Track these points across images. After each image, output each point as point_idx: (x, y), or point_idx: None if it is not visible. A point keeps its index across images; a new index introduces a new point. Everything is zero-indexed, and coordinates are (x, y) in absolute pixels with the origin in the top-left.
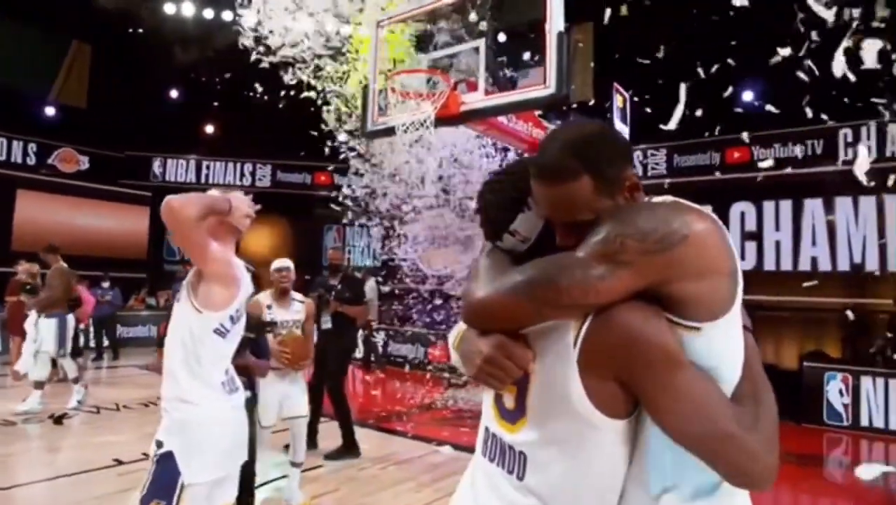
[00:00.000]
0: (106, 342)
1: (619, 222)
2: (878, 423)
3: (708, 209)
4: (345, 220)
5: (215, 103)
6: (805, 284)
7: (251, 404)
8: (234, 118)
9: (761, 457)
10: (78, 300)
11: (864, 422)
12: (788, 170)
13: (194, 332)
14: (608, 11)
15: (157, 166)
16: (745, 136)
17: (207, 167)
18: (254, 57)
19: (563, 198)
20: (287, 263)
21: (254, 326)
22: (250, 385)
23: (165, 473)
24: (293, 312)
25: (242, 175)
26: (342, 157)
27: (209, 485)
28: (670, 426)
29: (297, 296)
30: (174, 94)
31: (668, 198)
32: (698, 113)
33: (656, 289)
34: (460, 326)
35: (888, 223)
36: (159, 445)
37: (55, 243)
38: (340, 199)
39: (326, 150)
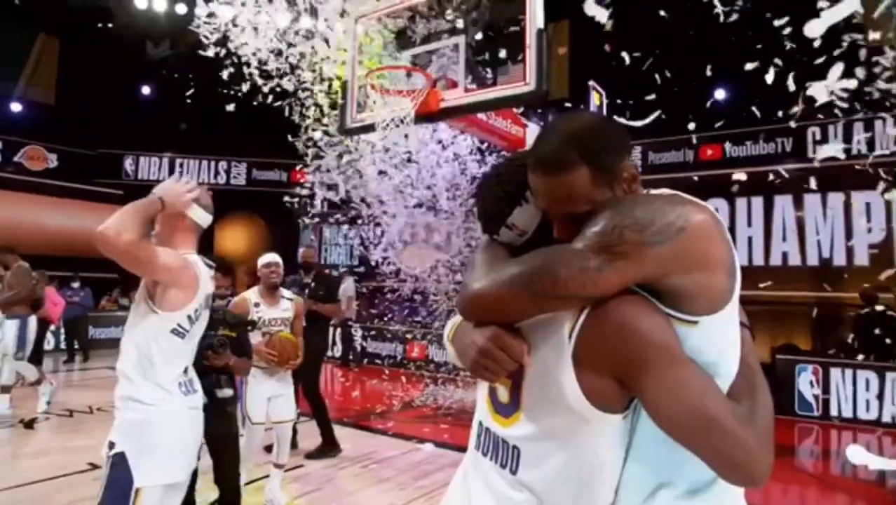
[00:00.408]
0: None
1: (616, 214)
2: (847, 412)
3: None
4: (317, 218)
5: (188, 100)
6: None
7: (232, 404)
8: (208, 115)
9: (757, 453)
10: (40, 301)
11: (834, 412)
12: (760, 167)
13: (151, 333)
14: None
15: (129, 164)
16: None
17: (181, 165)
18: (222, 51)
19: (560, 189)
20: (275, 257)
21: (234, 324)
22: (232, 384)
23: (119, 478)
24: (281, 309)
25: (217, 173)
26: (317, 155)
27: (162, 489)
28: (665, 422)
29: (286, 293)
30: (146, 90)
31: (666, 191)
32: (674, 111)
33: (654, 281)
34: (455, 320)
35: (854, 219)
36: (112, 445)
37: (11, 243)
38: (316, 197)
39: (302, 147)
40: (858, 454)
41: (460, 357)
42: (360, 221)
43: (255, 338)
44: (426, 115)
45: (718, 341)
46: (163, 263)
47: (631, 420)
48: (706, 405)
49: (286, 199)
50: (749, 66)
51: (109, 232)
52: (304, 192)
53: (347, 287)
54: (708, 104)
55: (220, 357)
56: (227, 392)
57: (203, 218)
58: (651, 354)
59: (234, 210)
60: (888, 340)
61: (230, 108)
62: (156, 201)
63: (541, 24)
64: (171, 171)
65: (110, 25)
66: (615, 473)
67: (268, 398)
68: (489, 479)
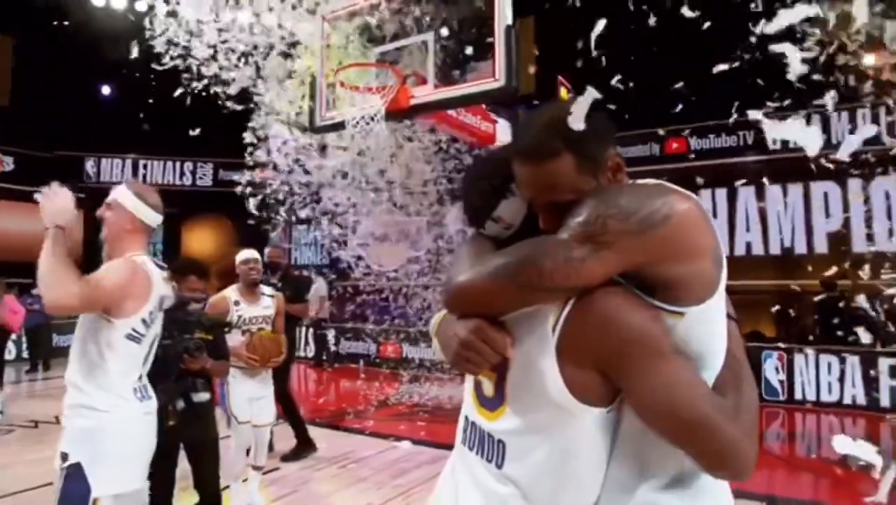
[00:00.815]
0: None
1: (601, 203)
2: (811, 396)
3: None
4: (278, 218)
5: (151, 100)
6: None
7: (209, 407)
8: (172, 115)
9: (741, 448)
10: None
11: (798, 396)
12: (723, 160)
13: (105, 341)
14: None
15: (90, 167)
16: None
17: (145, 167)
18: (179, 51)
19: (544, 177)
20: (254, 253)
21: (210, 326)
22: (209, 388)
23: (75, 489)
24: (262, 307)
25: (182, 174)
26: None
27: (119, 498)
28: (649, 416)
29: (266, 290)
30: (106, 90)
31: (652, 181)
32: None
33: (639, 272)
34: (441, 313)
35: (814, 209)
36: (64, 457)
37: None
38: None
39: (270, 146)
40: (845, 444)
41: (443, 350)
42: (326, 219)
43: (237, 337)
44: (396, 113)
45: (705, 333)
46: (114, 286)
47: (616, 413)
48: (690, 401)
49: (250, 198)
50: (719, 67)
51: (60, 301)
52: (247, 190)
53: (319, 287)
54: (673, 98)
55: (197, 360)
56: (203, 396)
57: (152, 218)
58: (635, 348)
59: (200, 211)
60: (847, 325)
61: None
62: (57, 233)
63: (509, 20)
64: (135, 173)
65: (66, 24)
66: (601, 467)
67: (249, 399)
68: (475, 473)
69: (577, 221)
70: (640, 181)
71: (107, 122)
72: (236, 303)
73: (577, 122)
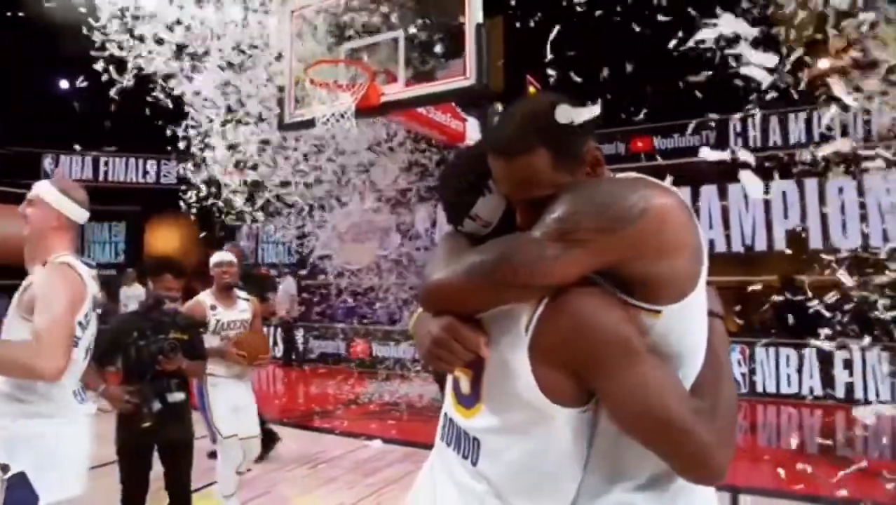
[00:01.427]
0: None
1: (575, 199)
2: (771, 388)
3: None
4: (238, 216)
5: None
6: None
7: (184, 408)
8: (135, 111)
9: (714, 452)
10: None
11: (759, 388)
12: (687, 158)
13: None
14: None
15: (47, 164)
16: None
17: (106, 164)
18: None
19: (519, 173)
20: (228, 256)
21: (185, 326)
22: (184, 388)
23: (21, 499)
24: (238, 311)
25: (146, 172)
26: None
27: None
28: (622, 420)
29: (242, 294)
30: (65, 84)
31: (632, 174)
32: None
33: (615, 269)
34: (419, 310)
35: (773, 207)
36: (5, 469)
37: None
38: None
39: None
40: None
41: (418, 347)
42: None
43: (215, 342)
44: (366, 110)
45: (684, 331)
46: (66, 310)
47: (593, 413)
48: (663, 403)
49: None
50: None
51: (53, 371)
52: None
53: (288, 286)
54: (638, 97)
55: (172, 361)
56: (178, 396)
57: (78, 214)
58: (607, 350)
59: (164, 210)
60: (804, 319)
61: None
62: (13, 238)
63: (480, 18)
64: (95, 171)
65: (21, 14)
66: (577, 467)
67: (233, 408)
68: (453, 470)
69: (550, 218)
70: (619, 175)
71: (67, 118)
72: (213, 307)
73: (552, 116)
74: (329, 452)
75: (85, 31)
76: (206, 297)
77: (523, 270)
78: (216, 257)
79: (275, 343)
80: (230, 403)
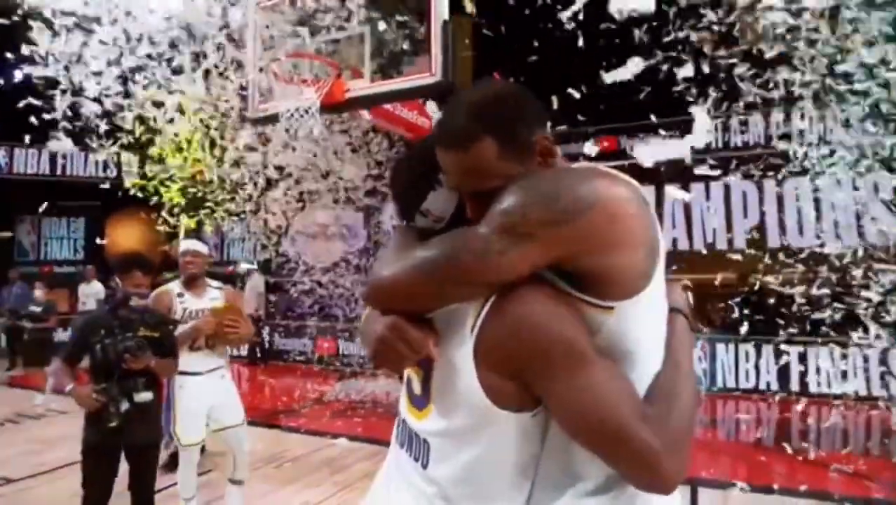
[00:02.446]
0: None
1: (523, 190)
2: (731, 383)
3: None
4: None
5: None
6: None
7: (152, 408)
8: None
9: (662, 461)
10: None
11: (719, 383)
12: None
13: None
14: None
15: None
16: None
17: (64, 157)
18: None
19: (466, 163)
20: (193, 245)
21: (155, 324)
22: (153, 388)
23: None
24: (208, 300)
25: (106, 167)
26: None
27: None
28: (568, 426)
29: (214, 283)
30: (19, 75)
31: (586, 164)
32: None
33: (565, 264)
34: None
35: (733, 206)
36: None
37: None
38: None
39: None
40: None
41: (364, 346)
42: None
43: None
44: (331, 106)
45: (637, 329)
46: None
47: (544, 416)
48: (610, 411)
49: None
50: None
51: None
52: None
53: (256, 284)
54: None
55: (139, 360)
56: (145, 396)
57: None
58: (550, 352)
59: (125, 205)
60: (762, 316)
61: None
62: None
63: (445, 15)
64: (54, 165)
65: None
66: (527, 472)
67: (205, 412)
68: (407, 472)
69: (497, 211)
70: (573, 165)
71: (22, 110)
72: (180, 295)
73: (498, 104)
74: (294, 450)
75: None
76: (173, 285)
77: (468, 266)
78: (181, 246)
79: None
80: (202, 404)
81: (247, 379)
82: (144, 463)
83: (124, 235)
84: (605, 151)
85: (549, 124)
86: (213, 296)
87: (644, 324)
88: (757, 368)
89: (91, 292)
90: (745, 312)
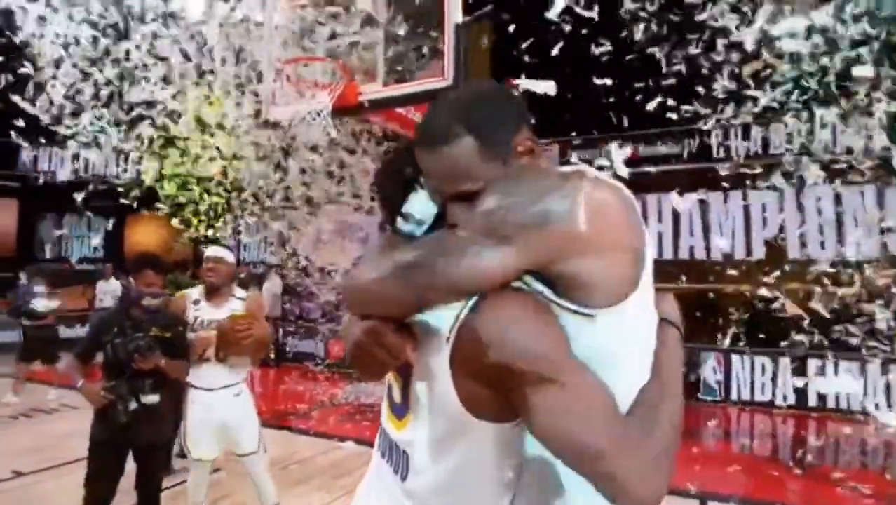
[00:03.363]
0: None
1: (502, 193)
2: (746, 395)
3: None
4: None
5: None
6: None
7: (158, 410)
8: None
9: (639, 483)
10: None
11: (734, 395)
12: (670, 166)
13: None
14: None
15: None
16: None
17: (87, 157)
18: None
19: (444, 163)
20: (215, 252)
21: (166, 325)
22: (159, 389)
23: None
24: (227, 310)
25: (126, 159)
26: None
27: None
28: (544, 440)
29: (240, 292)
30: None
31: (571, 167)
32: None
33: (545, 269)
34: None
35: (753, 217)
36: None
37: None
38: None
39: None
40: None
41: (345, 351)
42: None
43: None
44: (344, 109)
45: (621, 338)
46: None
47: (524, 427)
48: (586, 427)
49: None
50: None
51: None
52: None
53: (272, 285)
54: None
55: (148, 360)
56: (151, 398)
57: None
58: (528, 365)
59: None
60: (778, 328)
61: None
62: None
63: (459, 18)
64: (76, 164)
65: None
66: (507, 485)
67: (217, 427)
68: (386, 482)
69: (477, 214)
70: (558, 168)
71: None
72: (196, 302)
73: (478, 103)
74: (301, 453)
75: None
76: (194, 291)
77: (444, 271)
78: (206, 252)
79: None
80: (212, 420)
81: (258, 380)
82: (151, 463)
83: (139, 235)
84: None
85: (531, 124)
86: (234, 307)
87: (628, 333)
88: (773, 381)
89: (108, 290)
90: (761, 323)
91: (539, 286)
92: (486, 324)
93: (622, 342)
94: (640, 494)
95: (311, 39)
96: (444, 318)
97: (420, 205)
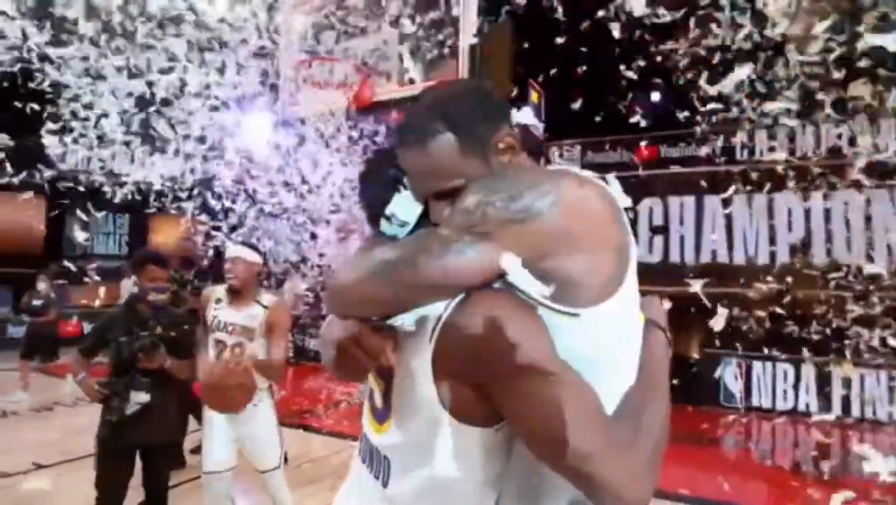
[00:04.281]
0: None
1: (483, 189)
2: (767, 403)
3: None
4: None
5: None
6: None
7: (151, 408)
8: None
9: (629, 481)
10: None
11: (755, 402)
12: (693, 168)
13: None
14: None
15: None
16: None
17: (114, 156)
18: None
19: (425, 162)
20: (237, 251)
21: (169, 322)
22: (150, 388)
23: None
24: (246, 314)
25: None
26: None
27: None
28: (528, 442)
29: (267, 297)
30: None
31: (557, 167)
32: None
33: (527, 266)
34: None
35: (777, 219)
36: None
37: None
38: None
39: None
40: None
41: (322, 353)
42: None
43: (211, 344)
44: (359, 109)
45: (605, 338)
46: None
47: (508, 432)
48: (571, 429)
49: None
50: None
51: None
52: None
53: (294, 286)
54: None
55: (152, 358)
56: (142, 397)
57: None
58: (510, 364)
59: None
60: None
61: None
62: None
63: (474, 16)
64: (103, 162)
65: None
66: (490, 491)
67: (233, 438)
68: (366, 489)
69: (457, 211)
70: (544, 167)
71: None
72: (218, 301)
73: (456, 100)
74: (315, 452)
75: None
76: (220, 289)
77: (424, 268)
78: (226, 251)
79: None
80: (225, 430)
81: None
82: (155, 462)
83: (163, 234)
84: (646, 160)
85: (512, 120)
86: (255, 312)
87: (612, 334)
88: (796, 388)
89: (130, 287)
90: (786, 328)
91: (521, 285)
92: (469, 320)
93: (607, 342)
94: (627, 498)
95: (328, 40)
96: (426, 318)
97: (403, 206)
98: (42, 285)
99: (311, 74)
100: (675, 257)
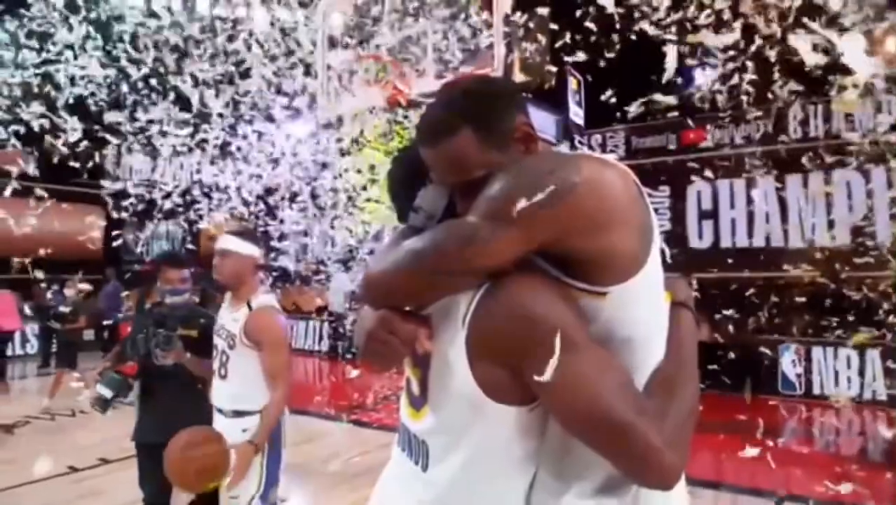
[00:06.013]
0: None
1: (507, 176)
2: (829, 390)
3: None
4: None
5: None
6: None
7: (148, 409)
8: None
9: (660, 455)
10: None
11: (816, 390)
12: (742, 150)
13: None
14: None
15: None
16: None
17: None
18: None
19: (447, 156)
20: (223, 242)
21: (182, 320)
22: (126, 387)
23: None
24: (232, 318)
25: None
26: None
27: None
28: (561, 417)
29: (263, 298)
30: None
31: (577, 152)
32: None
33: (554, 248)
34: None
35: (836, 199)
36: None
37: None
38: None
39: None
40: None
41: (357, 344)
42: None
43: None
44: (396, 105)
45: (633, 315)
46: None
47: (542, 412)
48: (604, 402)
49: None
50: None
51: None
52: None
53: (341, 283)
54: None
55: (168, 353)
56: (130, 395)
57: None
58: (543, 340)
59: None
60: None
61: None
62: None
63: (508, 8)
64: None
65: None
66: (526, 471)
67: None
68: (405, 476)
69: (482, 199)
70: (561, 152)
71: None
72: (224, 302)
73: (473, 93)
74: (365, 445)
75: None
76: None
77: (454, 255)
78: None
79: (320, 338)
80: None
81: (326, 373)
82: (147, 461)
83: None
84: (692, 144)
85: (527, 112)
86: (238, 316)
87: (640, 310)
88: (861, 374)
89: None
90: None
91: (549, 267)
92: (501, 300)
93: (635, 319)
94: (665, 468)
95: (364, 37)
96: (458, 304)
97: (430, 198)
98: (69, 291)
99: (348, 73)
100: (726, 242)
